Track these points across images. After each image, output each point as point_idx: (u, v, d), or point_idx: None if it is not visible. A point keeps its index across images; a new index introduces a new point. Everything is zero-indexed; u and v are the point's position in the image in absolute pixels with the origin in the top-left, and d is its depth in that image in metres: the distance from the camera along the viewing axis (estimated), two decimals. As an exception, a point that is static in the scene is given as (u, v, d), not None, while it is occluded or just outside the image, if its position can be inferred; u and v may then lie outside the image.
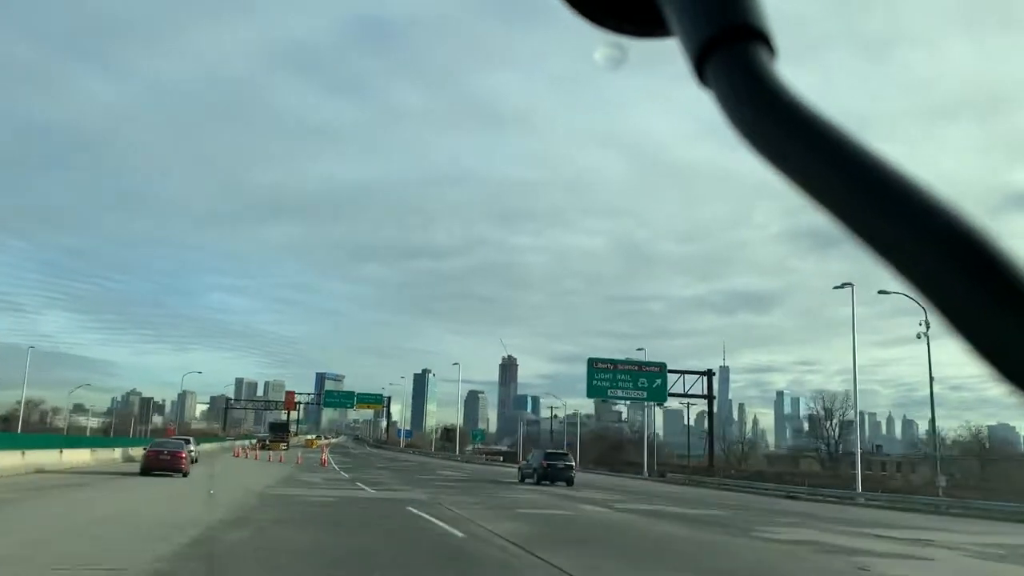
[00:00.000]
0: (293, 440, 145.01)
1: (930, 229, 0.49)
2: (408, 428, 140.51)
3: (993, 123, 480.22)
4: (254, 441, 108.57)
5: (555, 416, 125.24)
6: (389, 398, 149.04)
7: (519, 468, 49.53)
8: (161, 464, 32.24)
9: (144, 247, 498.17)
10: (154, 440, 42.34)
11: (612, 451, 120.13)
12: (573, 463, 45.54)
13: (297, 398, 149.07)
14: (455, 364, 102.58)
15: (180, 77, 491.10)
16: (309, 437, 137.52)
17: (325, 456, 70.21)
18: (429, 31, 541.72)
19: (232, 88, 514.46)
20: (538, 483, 41.92)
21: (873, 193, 0.51)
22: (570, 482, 42.17)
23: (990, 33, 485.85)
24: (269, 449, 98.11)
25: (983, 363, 0.47)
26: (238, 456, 73.21)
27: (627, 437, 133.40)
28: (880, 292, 46.07)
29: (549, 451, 48.74)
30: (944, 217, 0.49)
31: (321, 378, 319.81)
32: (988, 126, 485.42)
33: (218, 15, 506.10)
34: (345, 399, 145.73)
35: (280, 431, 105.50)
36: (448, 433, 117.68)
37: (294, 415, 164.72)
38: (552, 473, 42.34)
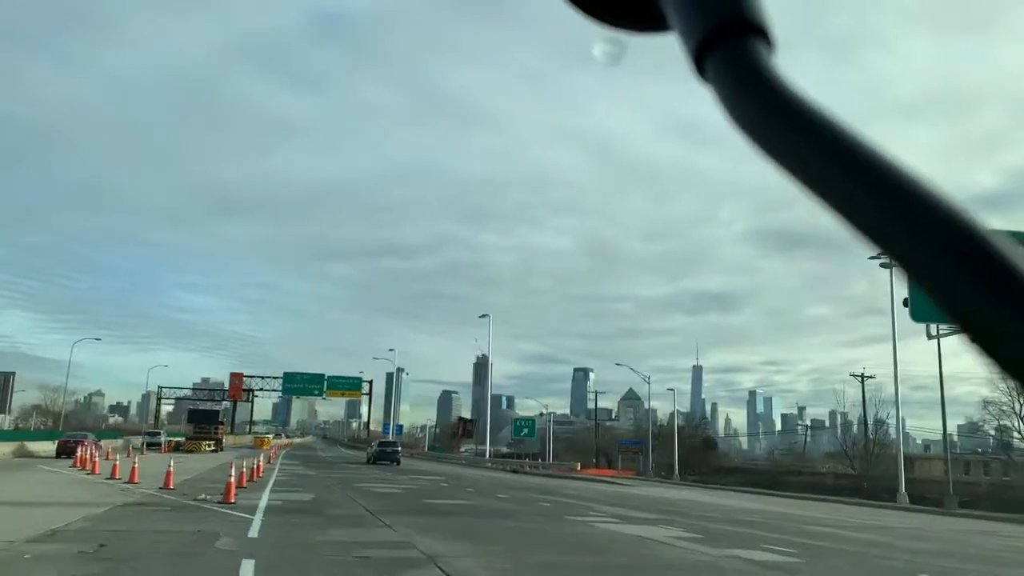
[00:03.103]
0: (237, 440, 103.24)
1: (929, 222, 0.47)
2: (399, 423, 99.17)
3: (957, 124, 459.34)
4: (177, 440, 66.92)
5: (541, 413, 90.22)
6: (371, 382, 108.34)
7: (367, 454, 59.53)
8: (69, 449, 40.00)
9: (105, 245, 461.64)
10: (65, 433, 52.91)
11: (697, 454, 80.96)
12: (399, 449, 56.68)
13: (250, 384, 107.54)
14: (483, 315, 62.76)
15: (140, 71, 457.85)
16: (263, 436, 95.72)
17: (260, 461, 30.34)
18: (393, 26, 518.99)
19: (193, 83, 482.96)
20: (375, 463, 51.94)
21: (872, 186, 0.50)
22: (398, 462, 52.21)
23: (954, 34, 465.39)
24: (186, 450, 57.16)
25: (985, 358, 0.45)
26: (77, 465, 32.65)
27: (701, 435, 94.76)
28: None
29: (382, 441, 63.53)
30: (944, 210, 0.47)
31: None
32: (953, 127, 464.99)
33: (178, 8, 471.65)
34: (311, 383, 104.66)
35: (205, 422, 64.24)
36: (466, 427, 77.25)
37: (257, 410, 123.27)
38: (384, 456, 52.82)
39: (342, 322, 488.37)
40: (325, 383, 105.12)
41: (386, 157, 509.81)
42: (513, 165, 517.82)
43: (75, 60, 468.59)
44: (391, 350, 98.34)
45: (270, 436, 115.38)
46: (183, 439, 63.78)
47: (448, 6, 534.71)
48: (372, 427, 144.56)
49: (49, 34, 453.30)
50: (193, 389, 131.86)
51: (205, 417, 64.90)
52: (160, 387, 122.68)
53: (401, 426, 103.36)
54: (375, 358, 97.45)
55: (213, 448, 62.25)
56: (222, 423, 67.49)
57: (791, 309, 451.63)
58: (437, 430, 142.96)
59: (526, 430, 62.59)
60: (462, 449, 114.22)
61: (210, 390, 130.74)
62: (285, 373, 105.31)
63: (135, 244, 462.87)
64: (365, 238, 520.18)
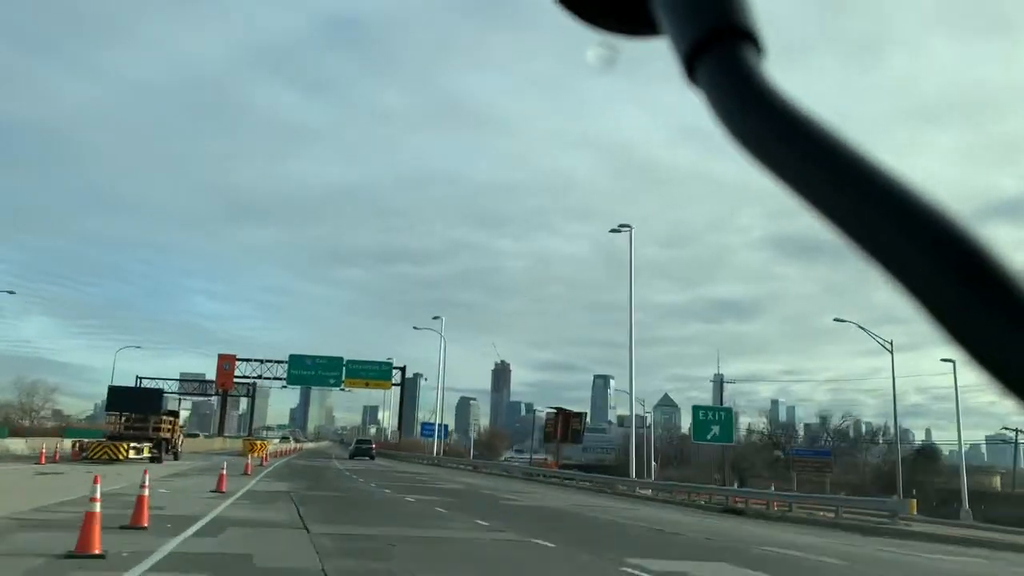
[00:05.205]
0: (227, 443, 76.13)
1: (917, 229, 0.44)
2: (443, 422, 71.14)
3: (978, 128, 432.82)
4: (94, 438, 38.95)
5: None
6: (403, 368, 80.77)
7: (349, 452, 67.53)
8: None
9: (123, 250, 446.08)
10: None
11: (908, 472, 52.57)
12: (373, 445, 68.62)
13: (244, 371, 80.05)
14: (620, 228, 34.87)
15: (155, 76, 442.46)
16: (253, 438, 67.83)
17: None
18: (407, 31, 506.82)
19: (207, 88, 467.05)
20: (352, 458, 59.80)
21: (861, 193, 0.47)
22: (372, 457, 61.17)
23: (975, 37, 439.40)
24: (94, 457, 29.36)
25: (978, 369, 0.42)
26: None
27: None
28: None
29: (359, 439, 78.61)
30: (931, 217, 0.45)
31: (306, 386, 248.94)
32: (973, 131, 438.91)
33: (192, 14, 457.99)
34: (326, 371, 77.11)
35: (138, 409, 36.37)
36: (570, 423, 49.11)
37: (273, 414, 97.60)
38: (360, 451, 62.83)
39: (357, 328, 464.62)
40: (344, 370, 77.61)
41: (400, 162, 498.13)
42: (527, 170, 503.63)
43: (90, 65, 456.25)
44: (435, 317, 70.70)
45: (271, 439, 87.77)
46: (104, 438, 36.16)
47: (461, 11, 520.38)
48: (391, 429, 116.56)
49: (65, 40, 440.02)
50: (180, 380, 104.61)
51: (138, 402, 36.86)
52: (138, 377, 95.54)
53: (446, 426, 75.47)
54: (415, 327, 69.69)
55: (151, 454, 34.79)
56: (172, 415, 39.77)
57: (809, 317, 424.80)
58: (453, 435, 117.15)
59: (716, 429, 34.54)
60: (502, 457, 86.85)
61: (201, 382, 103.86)
62: (291, 356, 77.87)
63: (152, 249, 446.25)
64: (379, 244, 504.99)
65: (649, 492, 31.42)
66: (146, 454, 34.83)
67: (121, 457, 32.15)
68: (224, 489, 20.53)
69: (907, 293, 0.44)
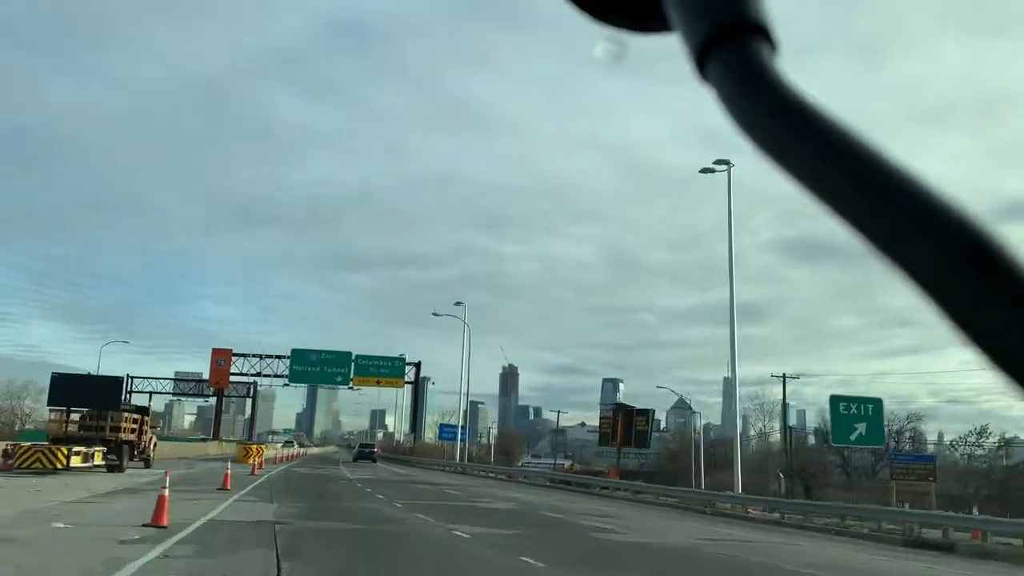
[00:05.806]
0: (223, 447, 68.35)
1: (933, 226, 0.44)
2: (463, 423, 62.54)
3: (987, 129, 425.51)
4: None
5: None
6: (417, 365, 72.49)
7: (353, 455, 70.59)
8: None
9: (128, 255, 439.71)
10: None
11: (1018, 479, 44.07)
12: (376, 449, 72.92)
13: (241, 367, 71.93)
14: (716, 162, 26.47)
15: (156, 79, 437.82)
16: (248, 443, 59.65)
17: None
18: (410, 33, 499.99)
19: (208, 90, 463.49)
20: (355, 461, 63.23)
21: (873, 188, 0.47)
22: (374, 460, 63.50)
23: (985, 38, 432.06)
24: (19, 464, 20.16)
25: (990, 366, 0.41)
26: None
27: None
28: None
29: (362, 443, 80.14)
30: (948, 215, 0.44)
31: (313, 388, 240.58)
32: (982, 132, 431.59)
33: (193, 16, 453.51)
34: (333, 367, 68.98)
35: (90, 403, 28.10)
36: (635, 421, 40.70)
37: (279, 419, 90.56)
38: (363, 455, 65.52)
39: (362, 332, 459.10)
40: (352, 366, 69.61)
41: (405, 166, 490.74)
42: (533, 173, 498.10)
43: (92, 67, 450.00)
44: (457, 303, 62.53)
45: (275, 443, 79.73)
46: (45, 441, 27.91)
47: (466, 13, 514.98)
48: (402, 434, 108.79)
49: (66, 41, 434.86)
50: (175, 380, 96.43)
51: (90, 394, 28.61)
52: (129, 375, 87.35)
53: (467, 429, 67.18)
54: (434, 313, 62.08)
55: (107, 461, 26.87)
56: (139, 411, 31.72)
57: (817, 320, 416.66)
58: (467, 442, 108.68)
59: (862, 427, 26.18)
60: (520, 463, 78.87)
61: (198, 381, 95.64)
62: (293, 351, 69.84)
63: (156, 253, 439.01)
64: (382, 247, 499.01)
65: (771, 513, 23.12)
66: (99, 461, 26.85)
67: (59, 465, 24.09)
68: (164, 522, 12.43)
69: (922, 291, 0.44)
